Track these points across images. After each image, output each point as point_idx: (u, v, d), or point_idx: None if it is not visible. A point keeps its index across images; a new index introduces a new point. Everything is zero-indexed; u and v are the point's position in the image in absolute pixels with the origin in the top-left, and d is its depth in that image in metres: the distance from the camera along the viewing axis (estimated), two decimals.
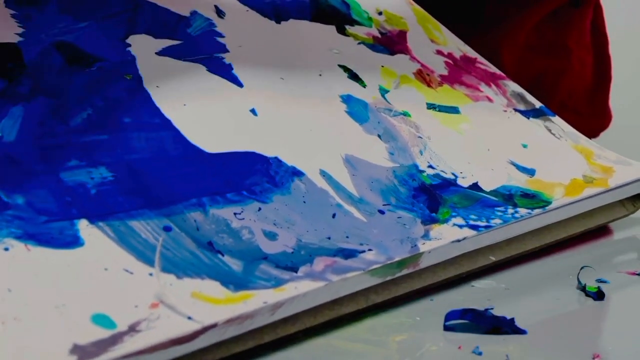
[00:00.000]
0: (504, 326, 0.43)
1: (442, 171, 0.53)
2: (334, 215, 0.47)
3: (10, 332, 0.35)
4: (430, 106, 0.58)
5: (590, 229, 0.57)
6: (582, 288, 0.49)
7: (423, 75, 0.60)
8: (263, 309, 0.40)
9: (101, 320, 0.37)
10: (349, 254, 0.44)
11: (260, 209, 0.45)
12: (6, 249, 0.38)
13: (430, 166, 0.53)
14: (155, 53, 0.51)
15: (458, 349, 0.41)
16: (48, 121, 0.45)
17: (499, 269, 0.51)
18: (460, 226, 0.49)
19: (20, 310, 0.36)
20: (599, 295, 0.48)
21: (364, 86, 0.56)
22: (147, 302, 0.38)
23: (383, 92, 0.57)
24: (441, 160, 0.54)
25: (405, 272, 0.45)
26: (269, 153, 0.48)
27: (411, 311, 0.45)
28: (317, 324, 0.43)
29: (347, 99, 0.55)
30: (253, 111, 0.51)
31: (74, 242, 0.40)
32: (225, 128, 0.49)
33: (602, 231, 0.59)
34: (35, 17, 0.49)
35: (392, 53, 0.60)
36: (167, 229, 0.42)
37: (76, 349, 0.35)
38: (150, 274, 0.39)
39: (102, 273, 0.39)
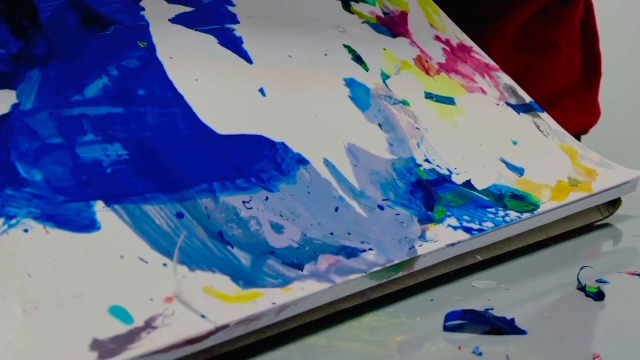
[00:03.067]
0: (504, 326, 0.43)
1: (437, 166, 0.54)
2: (336, 209, 0.47)
3: (30, 321, 0.35)
4: (428, 95, 0.58)
5: (566, 232, 0.59)
6: (582, 288, 0.49)
7: (422, 62, 0.60)
8: (270, 310, 0.40)
9: (118, 313, 0.37)
10: (350, 252, 0.45)
11: (267, 198, 0.46)
12: (25, 230, 0.38)
13: (426, 160, 0.54)
14: (169, 20, 0.51)
15: (458, 349, 0.41)
16: (64, 89, 0.44)
17: (499, 269, 0.52)
18: (455, 228, 0.50)
19: (40, 298, 0.36)
20: (599, 295, 0.48)
21: (367, 70, 0.57)
22: (161, 294, 0.38)
23: (384, 77, 0.57)
24: (437, 155, 0.54)
25: (400, 274, 0.47)
26: (275, 137, 0.49)
27: (411, 311, 0.46)
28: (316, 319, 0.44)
29: (350, 83, 0.55)
30: (261, 91, 0.51)
31: (91, 225, 0.40)
32: (235, 107, 0.49)
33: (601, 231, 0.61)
34: None
35: (394, 35, 0.61)
36: (179, 215, 0.42)
37: (96, 344, 0.35)
38: (164, 264, 0.40)
39: (117, 261, 0.39)
